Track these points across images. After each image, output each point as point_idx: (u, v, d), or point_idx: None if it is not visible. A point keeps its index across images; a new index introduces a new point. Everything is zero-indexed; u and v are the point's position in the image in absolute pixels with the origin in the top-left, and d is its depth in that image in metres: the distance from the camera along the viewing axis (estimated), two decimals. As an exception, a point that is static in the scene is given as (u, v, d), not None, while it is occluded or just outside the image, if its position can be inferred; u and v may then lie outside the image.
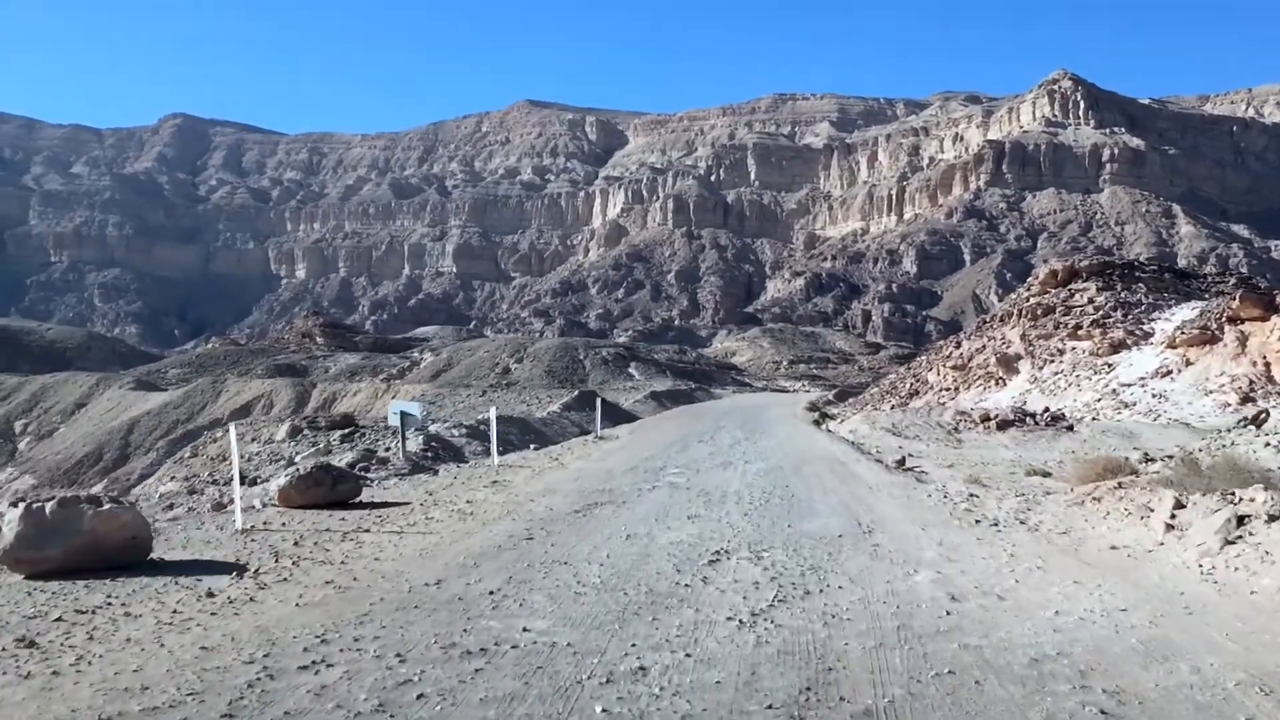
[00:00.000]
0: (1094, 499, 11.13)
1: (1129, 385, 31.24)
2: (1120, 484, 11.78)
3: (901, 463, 17.32)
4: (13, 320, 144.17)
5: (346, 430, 26.03)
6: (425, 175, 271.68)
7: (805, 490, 13.31)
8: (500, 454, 20.11)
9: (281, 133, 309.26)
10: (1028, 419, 23.31)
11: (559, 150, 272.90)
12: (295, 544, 9.14)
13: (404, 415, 19.73)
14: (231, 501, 13.49)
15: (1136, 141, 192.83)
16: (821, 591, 6.96)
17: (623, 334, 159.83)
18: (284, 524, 10.65)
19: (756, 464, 17.24)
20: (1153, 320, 35.85)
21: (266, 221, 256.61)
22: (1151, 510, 9.05)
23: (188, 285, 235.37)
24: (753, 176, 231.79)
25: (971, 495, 12.48)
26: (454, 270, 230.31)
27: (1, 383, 72.41)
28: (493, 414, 20.25)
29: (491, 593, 6.97)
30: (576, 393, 41.96)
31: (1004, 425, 22.80)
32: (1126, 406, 30.05)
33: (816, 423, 34.65)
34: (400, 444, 20.56)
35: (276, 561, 8.16)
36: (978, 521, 10.26)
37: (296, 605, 6.53)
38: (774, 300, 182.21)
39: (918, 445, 21.62)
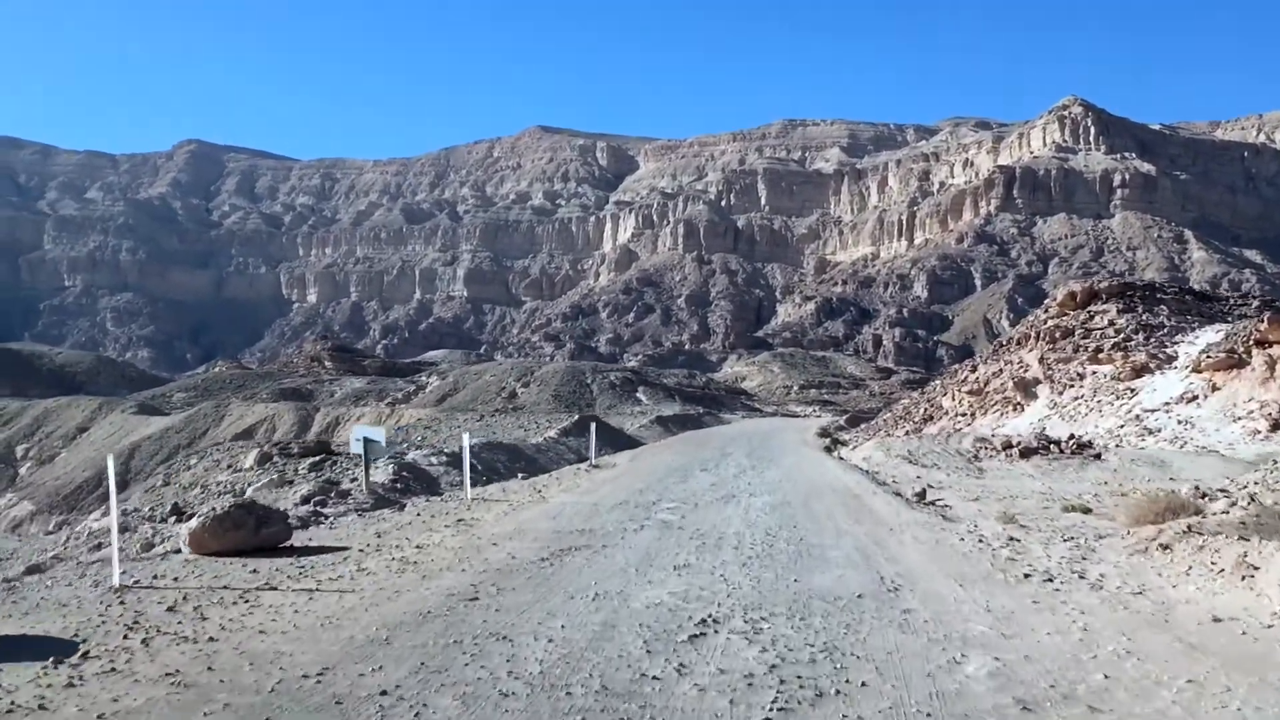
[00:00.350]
0: (1161, 546, 9.31)
1: (1153, 411, 29.36)
2: (1190, 527, 9.95)
3: (922, 496, 15.66)
4: (24, 345, 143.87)
5: (317, 458, 23.97)
6: (437, 200, 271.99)
7: (816, 531, 11.72)
8: (480, 484, 18.43)
9: (294, 158, 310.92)
10: (1052, 446, 21.49)
11: (570, 175, 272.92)
12: (171, 609, 7.40)
13: (367, 442, 17.66)
14: (164, 540, 11.74)
15: (1148, 167, 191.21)
16: (838, 693, 5.20)
17: (633, 358, 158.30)
18: (177, 579, 8.83)
19: (762, 497, 15.66)
20: (1176, 343, 33.95)
21: (279, 246, 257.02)
22: (1253, 567, 7.20)
23: (200, 310, 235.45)
24: (763, 201, 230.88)
25: (1012, 539, 10.80)
26: (465, 295, 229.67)
27: (4, 407, 71.46)
28: (466, 441, 18.49)
29: (385, 692, 5.22)
30: (576, 417, 40.11)
31: (1027, 453, 21.01)
32: (1151, 433, 28.12)
33: (828, 449, 32.85)
34: (363, 474, 18.48)
35: (124, 639, 6.39)
36: (1027, 575, 8.54)
37: (96, 720, 4.79)
38: (784, 325, 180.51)
39: (937, 475, 19.87)
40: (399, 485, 19.64)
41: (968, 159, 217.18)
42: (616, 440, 38.61)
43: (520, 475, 23.40)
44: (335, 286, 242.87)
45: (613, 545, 10.67)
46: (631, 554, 10.02)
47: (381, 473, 20.48)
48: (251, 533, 10.46)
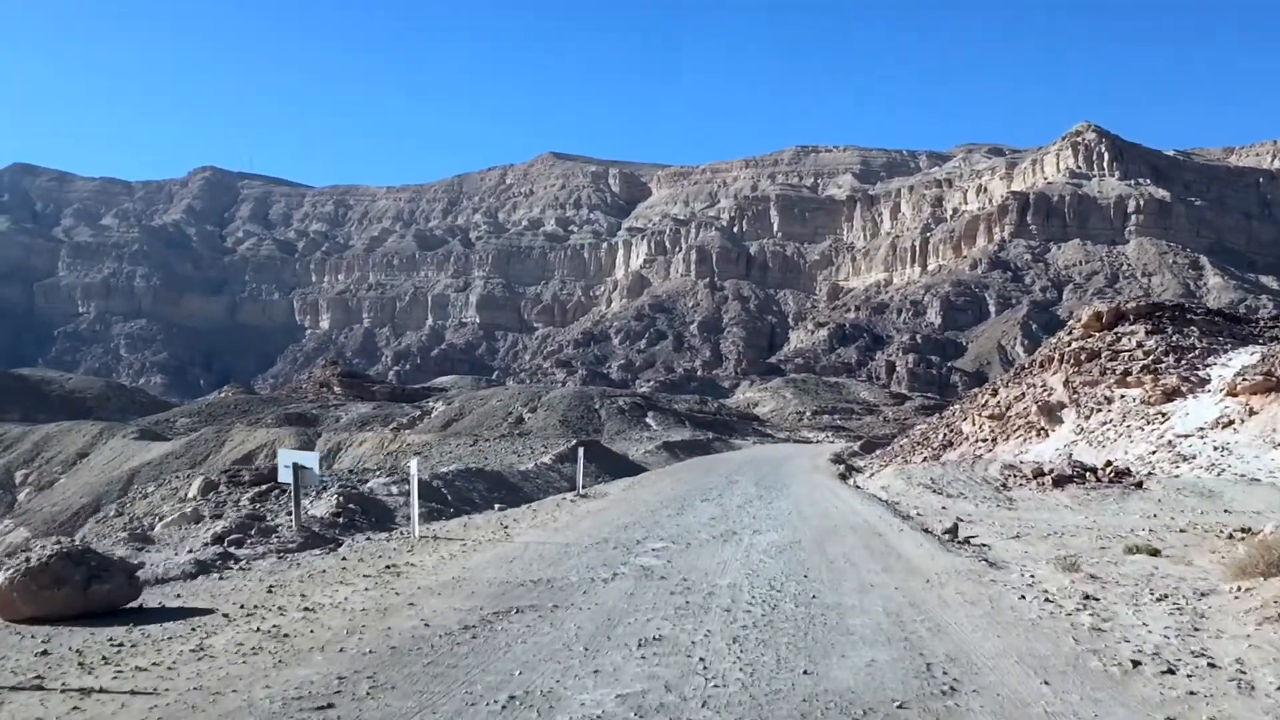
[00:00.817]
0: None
1: (1186, 436, 28.38)
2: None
3: (953, 533, 14.18)
4: (35, 370, 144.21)
5: (265, 487, 21.02)
6: (449, 227, 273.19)
7: (832, 583, 9.65)
8: (444, 518, 16.93)
9: (308, 185, 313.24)
10: (1088, 474, 20.52)
11: (582, 202, 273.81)
12: None
13: (297, 469, 15.07)
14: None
15: (1162, 193, 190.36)
16: None
17: (645, 384, 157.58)
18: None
19: (768, 534, 13.81)
20: (1208, 366, 33.00)
21: (292, 272, 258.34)
22: None
23: (213, 335, 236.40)
24: (775, 228, 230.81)
25: (1087, 597, 8.72)
26: (477, 321, 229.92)
27: (5, 432, 71.17)
28: (413, 468, 15.98)
29: None
30: (573, 442, 39.11)
31: (1061, 482, 19.95)
32: (1185, 460, 27.17)
33: (842, 476, 31.92)
34: (293, 507, 15.86)
35: None
36: (1135, 663, 6.45)
37: None
38: (797, 351, 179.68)
39: (964, 505, 18.74)
40: (342, 520, 17.34)
41: (981, 185, 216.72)
42: (617, 467, 37.54)
43: (497, 506, 21.53)
44: (348, 312, 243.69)
45: (568, 605, 8.68)
46: (588, 619, 8.05)
47: (323, 504, 18.22)
48: (78, 591, 8.32)
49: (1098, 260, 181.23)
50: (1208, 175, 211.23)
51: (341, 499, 18.66)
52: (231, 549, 13.44)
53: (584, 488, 24.36)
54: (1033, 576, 10.06)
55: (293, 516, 15.63)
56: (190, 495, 23.67)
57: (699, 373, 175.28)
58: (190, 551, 13.19)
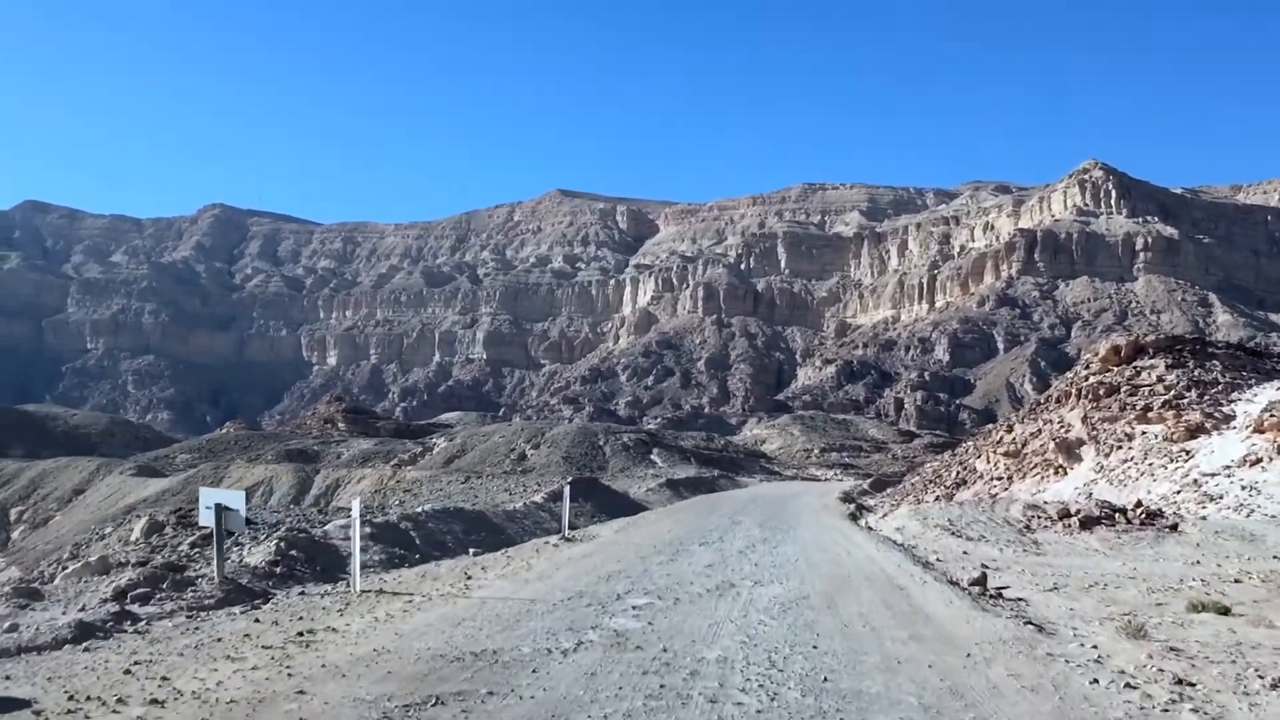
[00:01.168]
0: None
1: (1212, 475, 27.26)
2: None
3: (982, 585, 12.47)
4: (41, 406, 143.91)
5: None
6: (457, 263, 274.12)
7: (849, 658, 8.01)
8: (403, 566, 15.22)
9: (317, 222, 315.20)
10: (1116, 516, 19.38)
11: (590, 239, 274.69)
12: None
13: (220, 511, 13.07)
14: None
15: (1170, 230, 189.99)
16: None
17: (652, 422, 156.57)
18: None
19: (771, 587, 12.20)
20: (1233, 401, 31.89)
21: (300, 309, 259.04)
22: None
23: (221, 372, 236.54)
24: (783, 265, 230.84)
25: (1179, 681, 7.20)
26: (484, 357, 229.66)
27: (1, 468, 70.38)
28: (355, 509, 13.67)
29: None
30: (569, 480, 37.74)
31: (1089, 524, 18.71)
32: (1212, 500, 26.04)
33: (852, 517, 30.78)
34: (215, 555, 13.72)
35: None
36: None
37: None
38: (805, 388, 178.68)
39: (987, 550, 17.46)
40: (280, 569, 15.27)
41: (988, 222, 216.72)
42: (616, 506, 36.17)
43: (471, 551, 19.68)
44: (355, 349, 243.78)
45: (507, 691, 7.03)
46: (527, 715, 6.49)
47: (261, 551, 16.25)
48: None
49: (1106, 297, 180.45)
50: (1216, 213, 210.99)
51: (283, 544, 16.62)
52: (134, 606, 11.61)
53: (571, 529, 22.71)
54: (1095, 647, 8.59)
55: (214, 566, 13.58)
56: (134, 537, 21.13)
57: (706, 410, 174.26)
58: (81, 610, 11.41)
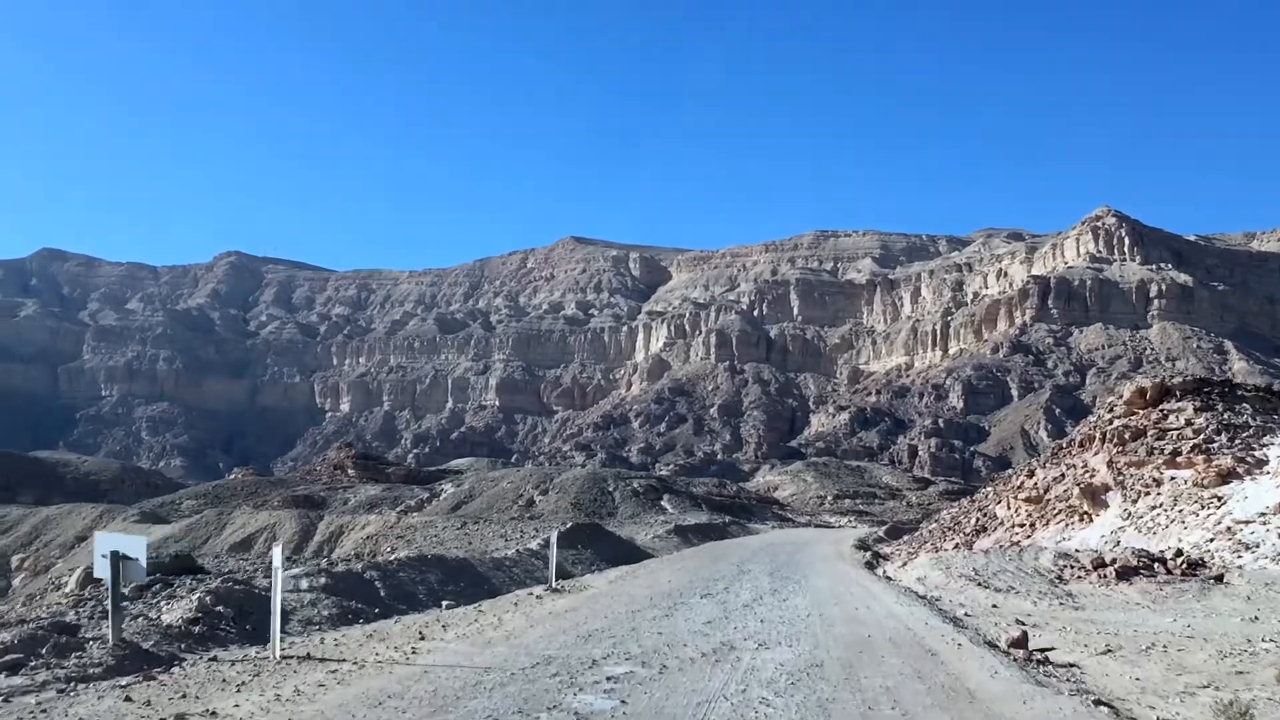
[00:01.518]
0: None
1: (1247, 522, 26.17)
2: None
3: (1023, 646, 10.98)
4: (53, 453, 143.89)
5: (159, 581, 16.74)
6: (470, 310, 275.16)
7: None
8: (364, 620, 13.69)
9: (331, 269, 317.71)
10: (1155, 566, 18.32)
11: (603, 286, 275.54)
12: None
13: (117, 560, 11.10)
14: None
15: (1184, 277, 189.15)
16: None
17: (664, 468, 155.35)
18: None
19: (778, 650, 10.60)
20: (1265, 445, 30.86)
21: (314, 356, 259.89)
22: None
23: (234, 418, 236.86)
24: (795, 311, 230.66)
25: None
26: (497, 404, 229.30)
27: (5, 515, 69.67)
28: (277, 555, 11.69)
29: None
30: (569, 525, 36.53)
31: (1126, 574, 17.47)
32: (1248, 548, 24.93)
33: (869, 565, 29.64)
34: (110, 613, 11.69)
35: None
36: None
37: None
38: (818, 434, 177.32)
39: (1019, 603, 16.13)
40: (200, 628, 13.24)
41: (1001, 269, 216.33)
42: (619, 553, 34.94)
43: (444, 604, 17.92)
44: (368, 395, 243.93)
45: None
46: None
47: (180, 607, 14.22)
48: None
49: (1120, 344, 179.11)
50: (1229, 260, 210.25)
51: (209, 599, 14.42)
52: (5, 675, 9.85)
53: (564, 579, 21.30)
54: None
55: (110, 627, 11.52)
56: (70, 588, 18.80)
57: (719, 456, 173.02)
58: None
